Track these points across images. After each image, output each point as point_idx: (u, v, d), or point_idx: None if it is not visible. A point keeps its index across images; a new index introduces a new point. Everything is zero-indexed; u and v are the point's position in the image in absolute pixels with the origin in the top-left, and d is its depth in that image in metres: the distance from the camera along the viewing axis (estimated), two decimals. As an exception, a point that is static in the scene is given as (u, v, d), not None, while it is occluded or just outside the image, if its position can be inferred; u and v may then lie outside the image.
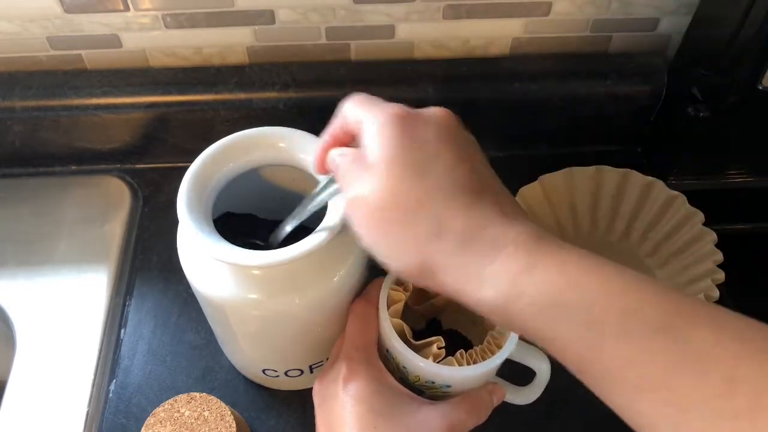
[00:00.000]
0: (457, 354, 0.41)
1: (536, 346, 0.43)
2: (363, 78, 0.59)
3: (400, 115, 0.32)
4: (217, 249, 0.37)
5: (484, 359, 0.41)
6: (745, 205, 0.62)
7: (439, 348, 0.41)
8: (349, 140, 0.35)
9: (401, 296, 0.42)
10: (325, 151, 0.36)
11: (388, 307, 0.42)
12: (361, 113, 0.33)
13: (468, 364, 0.41)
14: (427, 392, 0.42)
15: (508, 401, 0.45)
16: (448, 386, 0.41)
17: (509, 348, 0.41)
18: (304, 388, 0.50)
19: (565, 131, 0.63)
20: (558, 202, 0.57)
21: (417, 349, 0.41)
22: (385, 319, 0.41)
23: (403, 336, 0.41)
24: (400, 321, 0.42)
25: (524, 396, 0.45)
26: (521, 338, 0.41)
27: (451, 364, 0.40)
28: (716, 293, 0.49)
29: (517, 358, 0.42)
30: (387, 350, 0.42)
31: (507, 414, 0.49)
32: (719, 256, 0.51)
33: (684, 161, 0.61)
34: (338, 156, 0.35)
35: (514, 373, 0.44)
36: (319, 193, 0.39)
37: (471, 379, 0.41)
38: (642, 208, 0.57)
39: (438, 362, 0.40)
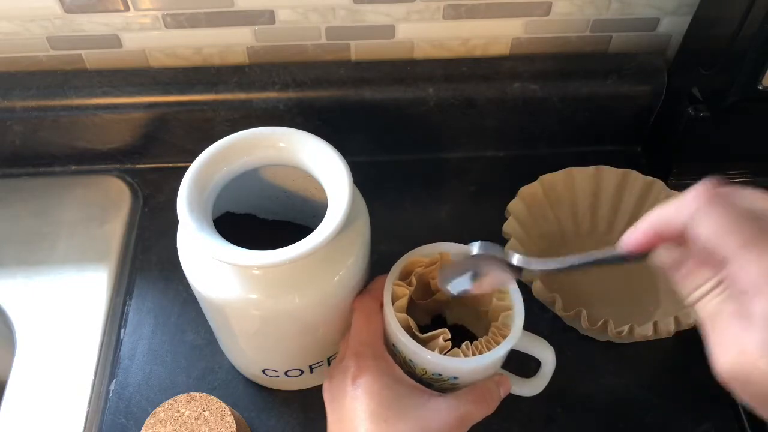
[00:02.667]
0: (463, 346, 0.41)
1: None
2: (363, 78, 0.59)
3: None
4: (218, 249, 0.37)
5: (489, 350, 0.41)
6: (745, 205, 0.62)
7: (445, 340, 0.41)
8: (679, 240, 0.29)
9: (405, 291, 0.43)
10: (652, 236, 0.30)
11: (393, 303, 0.42)
12: (734, 243, 0.26)
13: (474, 355, 0.41)
14: (435, 385, 0.43)
15: (515, 393, 0.45)
16: (455, 378, 0.42)
17: (514, 338, 0.41)
18: (304, 388, 0.50)
19: (565, 131, 0.63)
20: (558, 202, 0.57)
21: (423, 343, 0.41)
22: (390, 314, 0.41)
23: (408, 330, 0.42)
24: (405, 315, 0.42)
25: (531, 387, 0.46)
26: (524, 328, 0.42)
27: (456, 355, 0.41)
28: None
29: (522, 349, 0.43)
30: (393, 344, 0.42)
31: (505, 416, 0.49)
32: None
33: (684, 161, 0.61)
34: (685, 272, 0.29)
35: (520, 366, 0.45)
36: (609, 257, 0.33)
37: (477, 369, 0.41)
38: (642, 208, 0.57)
39: (444, 354, 0.40)
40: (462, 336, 0.49)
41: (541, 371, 0.45)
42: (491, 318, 0.45)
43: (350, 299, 0.43)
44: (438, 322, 0.49)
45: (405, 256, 0.44)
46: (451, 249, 0.45)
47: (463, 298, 0.47)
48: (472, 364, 0.40)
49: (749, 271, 0.25)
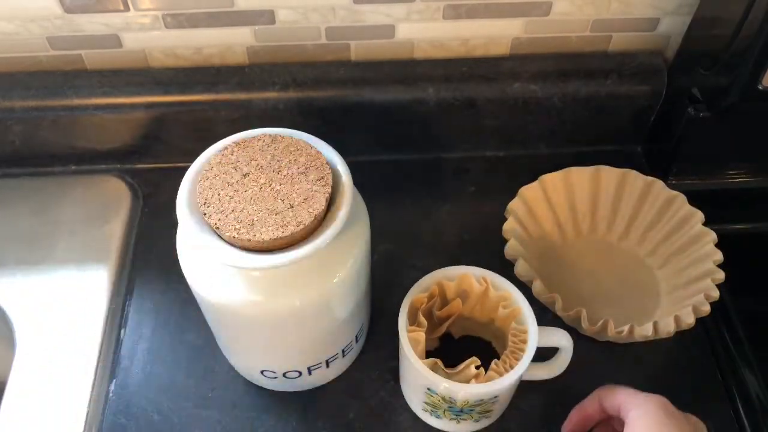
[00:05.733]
0: (492, 365, 0.43)
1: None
2: (363, 78, 0.59)
3: (665, 404, 0.39)
4: (218, 250, 0.37)
5: (517, 359, 0.43)
6: (745, 205, 0.62)
7: (477, 367, 0.43)
8: (596, 421, 0.44)
9: (421, 334, 0.44)
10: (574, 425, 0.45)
11: (415, 350, 0.43)
12: (623, 398, 0.40)
13: (506, 369, 0.42)
14: (476, 409, 0.44)
15: (534, 378, 0.47)
16: (496, 397, 0.43)
17: (536, 340, 0.43)
18: (302, 389, 0.50)
19: (565, 131, 0.63)
20: (558, 202, 0.57)
21: (456, 377, 0.43)
22: (417, 363, 0.42)
23: (438, 370, 0.43)
24: (432, 360, 0.43)
25: (549, 370, 0.47)
26: (539, 324, 0.44)
27: (492, 377, 0.42)
28: (716, 293, 0.49)
29: (543, 344, 0.44)
30: (428, 388, 0.43)
31: (505, 416, 0.49)
32: (719, 256, 0.51)
33: (684, 161, 0.61)
34: None
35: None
36: None
37: (514, 383, 0.43)
38: (642, 208, 0.57)
39: (480, 381, 0.42)
40: (474, 346, 0.50)
41: (559, 355, 0.46)
42: (502, 325, 0.47)
43: (350, 301, 0.43)
44: (445, 339, 0.50)
45: (406, 298, 0.45)
46: (445, 274, 0.46)
47: (467, 311, 0.48)
48: (508, 380, 0.42)
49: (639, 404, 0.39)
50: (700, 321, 0.49)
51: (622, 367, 0.52)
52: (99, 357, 0.51)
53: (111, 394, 0.50)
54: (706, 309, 0.49)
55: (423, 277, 0.46)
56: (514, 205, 0.55)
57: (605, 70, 0.60)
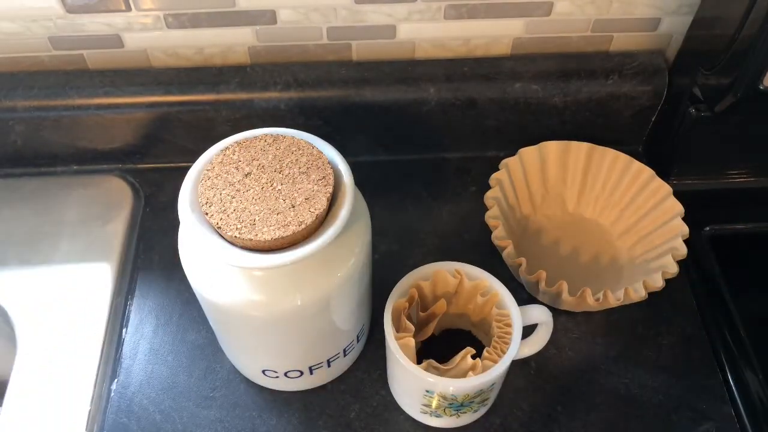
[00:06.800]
0: (485, 353, 0.43)
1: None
2: (364, 78, 0.59)
3: None
4: (219, 250, 0.37)
5: (506, 343, 0.43)
6: (745, 205, 0.62)
7: (473, 357, 0.43)
8: None
9: (411, 340, 0.44)
10: None
11: (407, 355, 0.43)
12: None
13: (499, 355, 0.43)
14: (476, 400, 0.44)
15: (520, 357, 0.47)
16: (494, 384, 0.43)
17: (520, 320, 0.43)
18: (303, 389, 0.50)
19: (566, 131, 0.63)
20: (554, 171, 0.59)
21: (452, 371, 0.43)
22: (413, 368, 0.42)
23: (432, 370, 0.43)
24: (426, 363, 0.43)
25: (533, 346, 0.47)
26: (519, 304, 0.44)
27: (488, 366, 0.42)
28: (684, 250, 0.50)
29: (525, 323, 0.45)
30: (426, 390, 0.43)
31: (506, 415, 0.49)
32: (686, 230, 0.52)
33: (685, 161, 0.61)
34: None
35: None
36: None
37: (508, 367, 0.43)
38: (629, 192, 0.57)
39: (479, 372, 0.42)
40: (456, 338, 0.51)
41: (539, 330, 0.47)
42: (481, 313, 0.47)
43: (351, 300, 0.43)
44: (425, 340, 0.50)
45: (387, 305, 0.44)
46: (420, 274, 0.46)
47: (447, 306, 0.48)
48: (504, 365, 0.42)
49: None
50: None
51: (624, 367, 0.52)
52: (101, 356, 0.51)
53: (113, 394, 0.50)
54: (673, 271, 0.50)
55: (399, 282, 0.46)
56: (499, 175, 0.56)
57: (606, 70, 0.60)
